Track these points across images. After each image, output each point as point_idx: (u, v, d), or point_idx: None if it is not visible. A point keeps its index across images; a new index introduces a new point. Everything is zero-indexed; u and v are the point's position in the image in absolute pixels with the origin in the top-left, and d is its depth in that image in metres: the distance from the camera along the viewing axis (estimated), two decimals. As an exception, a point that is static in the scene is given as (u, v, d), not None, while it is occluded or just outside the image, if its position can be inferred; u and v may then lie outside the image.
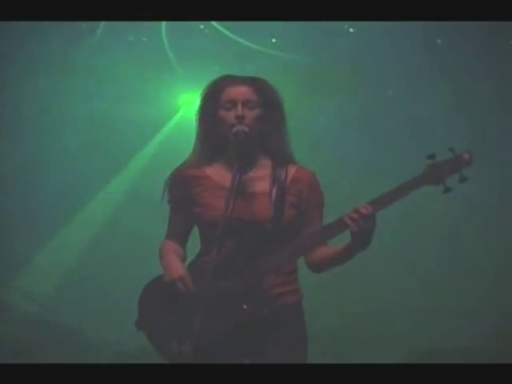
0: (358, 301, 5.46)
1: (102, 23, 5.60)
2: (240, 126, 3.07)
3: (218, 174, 3.17)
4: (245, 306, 3.00)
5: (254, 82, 3.15)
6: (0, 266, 5.70)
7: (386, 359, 4.98)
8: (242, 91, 3.12)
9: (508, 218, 5.55)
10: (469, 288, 5.47)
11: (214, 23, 5.58)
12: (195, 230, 3.23)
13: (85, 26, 5.60)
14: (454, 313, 5.46)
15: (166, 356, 3.08)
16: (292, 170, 3.17)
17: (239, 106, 3.09)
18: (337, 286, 5.25)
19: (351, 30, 5.66)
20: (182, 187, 3.19)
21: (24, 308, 5.73)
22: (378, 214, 2.88)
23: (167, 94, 5.94)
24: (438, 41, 5.60)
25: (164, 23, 5.62)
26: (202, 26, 5.68)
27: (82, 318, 5.62)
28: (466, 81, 5.60)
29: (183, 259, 3.20)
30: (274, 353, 3.05)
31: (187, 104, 5.92)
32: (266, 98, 3.14)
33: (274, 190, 3.10)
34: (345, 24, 5.60)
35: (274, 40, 5.74)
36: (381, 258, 5.33)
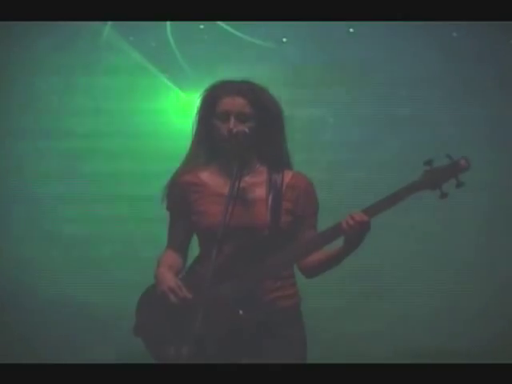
0: (358, 301, 5.46)
1: (106, 23, 5.59)
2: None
3: (215, 179, 3.17)
4: (241, 312, 3.01)
5: (251, 93, 3.11)
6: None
7: (385, 359, 4.99)
8: (236, 103, 3.10)
9: (508, 219, 5.55)
10: (469, 288, 5.47)
11: (219, 23, 5.56)
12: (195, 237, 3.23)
13: (86, 26, 5.58)
14: (455, 313, 5.46)
15: (164, 362, 3.08)
16: (288, 176, 3.19)
17: (232, 120, 3.08)
18: (335, 287, 5.25)
19: (351, 30, 5.65)
20: (179, 195, 3.20)
21: (24, 309, 5.71)
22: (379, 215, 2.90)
23: (170, 94, 5.93)
24: (453, 36, 5.57)
25: (168, 23, 5.61)
26: (201, 26, 5.67)
27: (81, 317, 5.61)
28: (466, 81, 5.59)
29: (180, 268, 3.21)
30: (272, 356, 3.06)
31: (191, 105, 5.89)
32: (262, 109, 3.12)
33: (270, 197, 3.11)
34: (345, 23, 5.59)
35: (284, 39, 5.70)
36: (380, 258, 5.34)
